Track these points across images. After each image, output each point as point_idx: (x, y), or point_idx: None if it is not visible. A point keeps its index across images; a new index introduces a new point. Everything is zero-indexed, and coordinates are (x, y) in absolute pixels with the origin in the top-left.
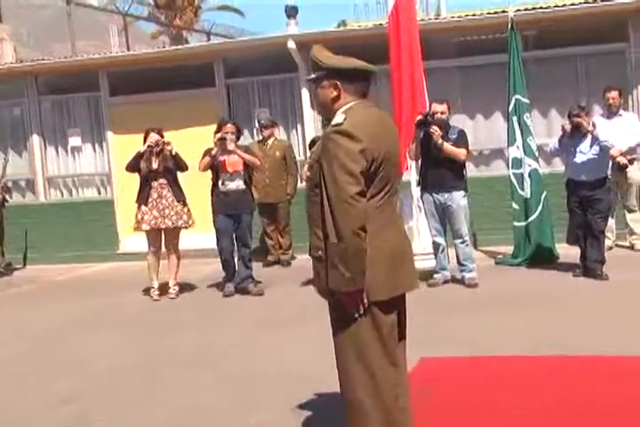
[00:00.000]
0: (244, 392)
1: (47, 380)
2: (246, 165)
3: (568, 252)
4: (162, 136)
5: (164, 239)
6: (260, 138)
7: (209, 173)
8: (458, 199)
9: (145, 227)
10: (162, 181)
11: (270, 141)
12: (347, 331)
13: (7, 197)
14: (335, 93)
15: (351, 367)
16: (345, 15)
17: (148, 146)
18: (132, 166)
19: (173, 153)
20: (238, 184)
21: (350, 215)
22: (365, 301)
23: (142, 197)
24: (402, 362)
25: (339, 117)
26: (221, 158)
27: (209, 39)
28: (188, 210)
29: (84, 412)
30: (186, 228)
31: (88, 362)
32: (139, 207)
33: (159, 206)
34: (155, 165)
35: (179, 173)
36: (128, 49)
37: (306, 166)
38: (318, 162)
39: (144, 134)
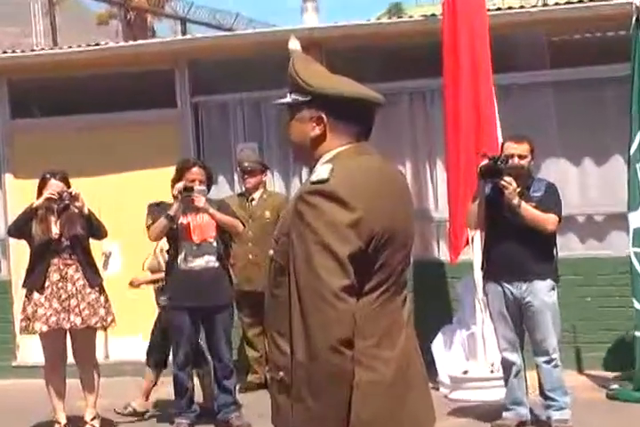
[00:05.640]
0: None
1: None
2: (221, 230)
3: None
4: (68, 185)
5: (70, 346)
6: (243, 190)
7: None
8: (543, 293)
9: (40, 327)
10: (66, 255)
11: (257, 195)
12: None
13: None
14: (318, 131)
15: None
16: None
17: (46, 199)
18: (19, 229)
19: (85, 212)
20: (208, 260)
21: (330, 321)
22: None
23: (35, 281)
24: None
25: (322, 169)
26: (184, 220)
27: (185, 31)
28: (107, 300)
29: None
30: (104, 328)
31: None
32: (29, 296)
33: (61, 295)
34: (55, 231)
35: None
36: (54, 41)
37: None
38: (287, 236)
39: (39, 181)
